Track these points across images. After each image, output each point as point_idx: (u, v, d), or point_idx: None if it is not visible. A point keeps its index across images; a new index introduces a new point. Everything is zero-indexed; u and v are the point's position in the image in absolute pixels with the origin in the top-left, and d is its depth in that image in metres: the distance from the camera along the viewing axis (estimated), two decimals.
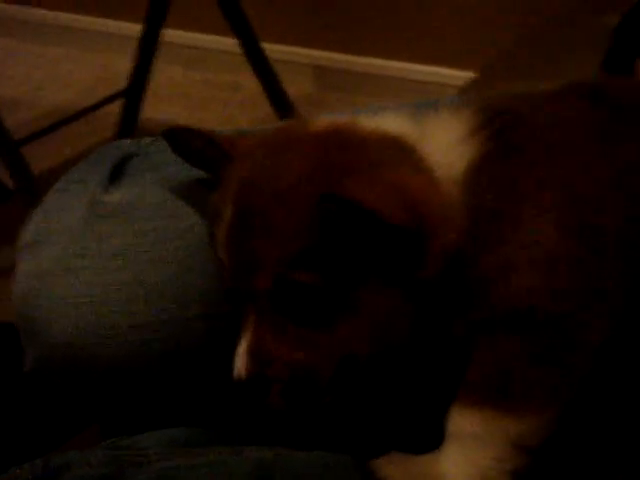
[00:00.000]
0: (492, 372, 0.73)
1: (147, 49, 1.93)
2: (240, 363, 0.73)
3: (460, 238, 0.71)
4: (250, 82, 2.19)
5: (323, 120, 0.78)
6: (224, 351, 0.81)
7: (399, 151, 0.73)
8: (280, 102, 1.94)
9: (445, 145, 0.74)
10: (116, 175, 0.89)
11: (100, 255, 0.83)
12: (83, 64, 2.55)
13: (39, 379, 0.86)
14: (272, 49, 2.02)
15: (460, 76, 2.07)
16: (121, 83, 2.08)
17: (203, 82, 2.37)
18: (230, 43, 2.24)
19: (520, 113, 0.77)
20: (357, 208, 0.66)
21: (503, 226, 0.72)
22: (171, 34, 2.17)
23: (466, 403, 0.73)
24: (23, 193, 1.66)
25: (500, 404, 0.72)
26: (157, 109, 2.16)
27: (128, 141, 0.95)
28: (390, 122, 0.76)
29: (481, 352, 0.73)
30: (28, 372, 0.87)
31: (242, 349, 0.73)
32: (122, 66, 2.35)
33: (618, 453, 0.80)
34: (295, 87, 2.12)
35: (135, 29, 2.36)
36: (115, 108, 2.06)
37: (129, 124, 2.00)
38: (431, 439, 0.75)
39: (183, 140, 0.82)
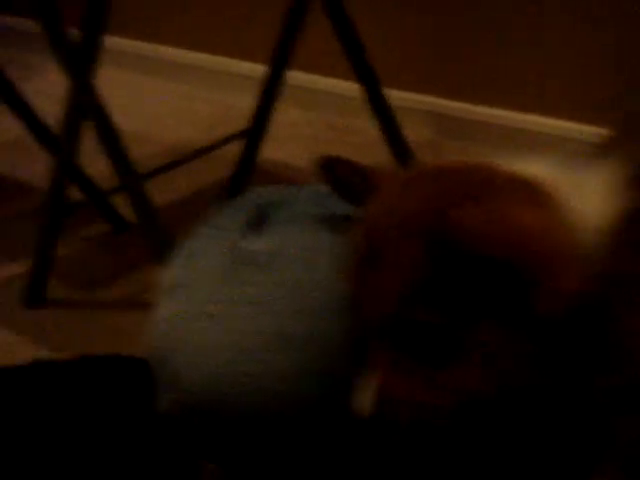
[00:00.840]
0: (636, 444, 0.70)
1: (270, 90, 1.96)
2: (365, 400, 0.73)
3: (593, 286, 0.69)
4: (368, 126, 2.19)
5: (458, 160, 0.77)
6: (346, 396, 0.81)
7: (530, 192, 0.72)
8: (399, 147, 1.94)
9: (590, 195, 0.73)
10: (257, 223, 0.90)
11: (240, 303, 0.84)
12: (204, 102, 2.59)
13: (172, 420, 0.87)
14: (392, 94, 2.02)
15: (584, 130, 2.04)
16: (240, 122, 2.10)
17: (321, 124, 2.39)
18: (349, 86, 2.26)
19: None
20: (455, 237, 0.65)
21: None
22: (292, 76, 2.20)
23: (612, 475, 0.71)
24: (143, 226, 1.69)
25: None
26: (275, 150, 2.18)
27: (269, 189, 0.96)
28: (530, 167, 0.75)
29: (624, 423, 0.71)
30: (162, 413, 0.88)
31: (367, 386, 0.74)
32: (241, 105, 2.39)
33: None
34: (414, 133, 2.12)
35: (256, 69, 2.40)
36: (233, 147, 2.09)
37: (248, 164, 2.02)
38: None
39: (337, 171, 0.83)
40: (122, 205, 1.94)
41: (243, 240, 0.88)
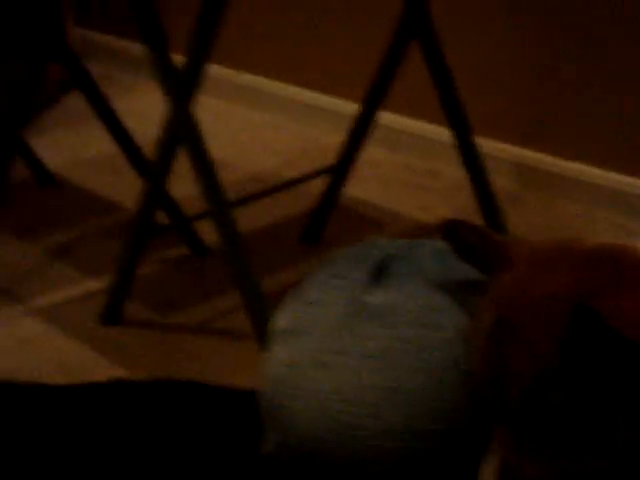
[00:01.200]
0: None
1: (360, 129, 1.96)
2: (489, 476, 0.72)
3: None
4: (451, 171, 2.19)
5: (596, 240, 0.77)
6: (459, 466, 0.81)
7: None
8: (484, 194, 1.93)
9: None
10: (378, 275, 0.90)
11: (357, 355, 0.84)
12: (288, 133, 2.61)
13: (277, 463, 0.88)
14: (481, 142, 2.02)
15: None
16: (323, 157, 2.12)
17: (404, 166, 2.39)
18: (435, 130, 2.26)
19: None
20: (604, 325, 0.65)
21: None
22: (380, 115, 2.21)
23: None
24: (227, 252, 1.70)
25: None
26: (356, 188, 2.18)
27: (390, 240, 0.96)
28: None
29: None
30: (268, 454, 0.88)
31: (491, 467, 0.72)
32: (326, 141, 2.40)
33: None
34: (500, 181, 2.11)
35: (343, 106, 2.42)
36: (316, 181, 2.10)
37: (331, 200, 2.03)
38: None
39: (462, 234, 0.82)
40: (202, 231, 1.96)
41: (363, 292, 0.88)
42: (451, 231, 0.83)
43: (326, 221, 2.04)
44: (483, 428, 0.76)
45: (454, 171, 2.14)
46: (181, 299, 1.89)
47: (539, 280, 0.73)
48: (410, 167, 2.39)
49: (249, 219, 2.08)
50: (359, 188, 2.21)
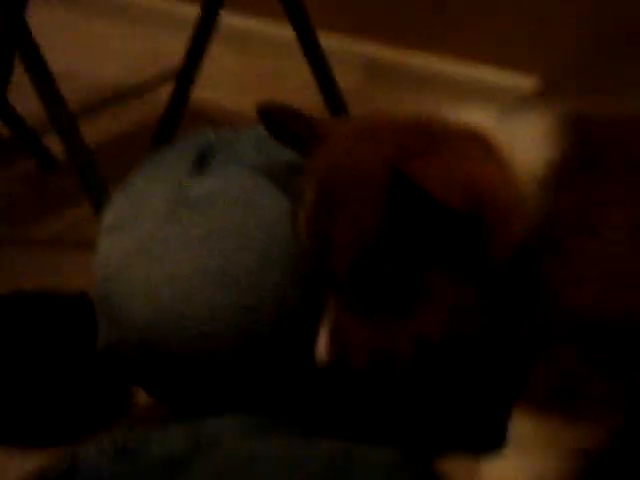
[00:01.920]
0: (556, 378, 0.75)
1: (203, 32, 1.95)
2: (322, 348, 0.75)
3: (532, 233, 0.73)
4: (300, 70, 2.20)
5: (408, 111, 0.79)
6: (296, 342, 0.84)
7: (476, 143, 0.75)
8: (330, 93, 1.96)
9: (528, 142, 0.76)
10: (200, 165, 0.91)
11: (182, 242, 0.86)
12: (134, 41, 2.56)
13: (112, 356, 0.89)
14: (324, 38, 2.02)
15: (521, 81, 2.07)
16: (171, 63, 2.09)
17: (253, 68, 2.38)
18: (283, 31, 2.26)
19: (612, 125, 0.77)
20: (417, 187, 0.68)
21: (579, 236, 0.73)
22: (225, 18, 2.18)
23: (529, 409, 0.75)
24: (74, 165, 1.68)
25: (562, 413, 0.74)
26: (205, 92, 2.17)
27: (211, 131, 0.98)
28: (475, 118, 0.78)
29: (547, 359, 0.75)
30: (102, 349, 0.90)
31: (324, 334, 0.76)
32: (174, 46, 2.36)
33: None
34: (344, 79, 2.13)
35: (190, 10, 2.38)
36: (164, 88, 2.08)
37: (178, 106, 2.02)
38: (494, 441, 0.77)
39: (277, 116, 0.84)
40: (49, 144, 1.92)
41: (186, 182, 0.89)
42: (266, 115, 0.85)
43: (176, 127, 2.03)
44: (315, 303, 0.79)
45: (303, 71, 2.14)
46: (32, 213, 1.86)
47: (356, 151, 0.76)
48: (258, 69, 2.38)
49: (98, 129, 2.05)
50: (208, 92, 2.19)
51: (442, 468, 0.78)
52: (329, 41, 2.10)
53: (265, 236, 0.87)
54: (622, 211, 0.74)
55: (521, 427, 0.76)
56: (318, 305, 0.78)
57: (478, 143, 0.74)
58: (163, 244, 0.87)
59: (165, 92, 2.04)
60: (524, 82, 1.95)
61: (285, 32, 2.12)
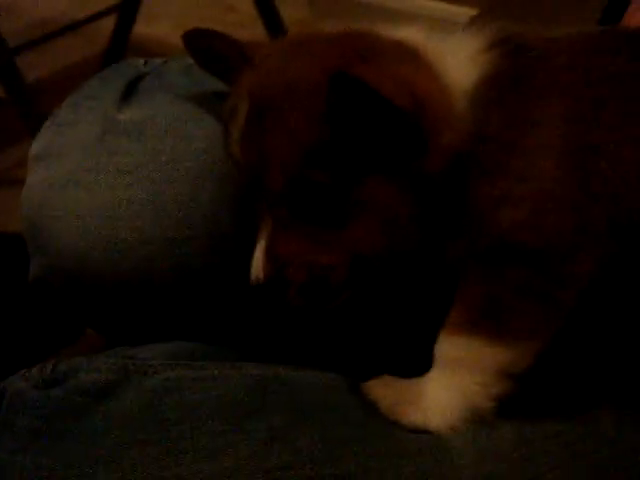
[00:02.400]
0: (480, 301, 0.75)
1: None
2: (257, 265, 0.75)
3: (464, 145, 0.72)
4: (245, 4, 2.18)
5: (341, 25, 0.78)
6: (229, 270, 0.85)
7: (410, 57, 0.74)
8: (274, 25, 1.94)
9: (458, 58, 0.75)
10: (129, 93, 0.90)
11: (111, 171, 0.85)
12: None
13: (43, 288, 0.89)
14: None
15: (460, 12, 2.07)
16: None
17: (197, 1, 2.35)
18: None
19: (540, 41, 0.77)
20: (364, 87, 0.66)
21: (504, 155, 0.73)
22: None
23: (454, 329, 0.76)
24: (14, 101, 1.66)
25: (487, 332, 0.75)
26: (149, 26, 2.15)
27: (141, 60, 0.96)
28: (407, 33, 0.77)
29: (470, 280, 0.76)
30: (33, 280, 0.89)
31: (259, 251, 0.75)
32: None
33: (606, 383, 0.83)
34: (289, 12, 2.12)
35: None
36: (107, 22, 2.05)
37: (121, 39, 2.00)
38: (421, 363, 0.78)
39: (204, 43, 0.82)
40: None
41: (114, 110, 0.88)
42: (193, 41, 0.83)
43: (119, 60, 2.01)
44: (250, 227, 0.78)
45: (249, 4, 2.12)
46: None
47: (291, 63, 0.74)
48: (205, 2, 2.35)
49: (41, 64, 2.03)
50: (152, 27, 2.17)
51: (369, 391, 0.79)
52: None
53: (195, 166, 0.85)
54: (551, 131, 0.73)
55: (447, 347, 0.77)
56: (254, 230, 0.77)
57: (411, 56, 0.73)
58: (91, 173, 0.86)
59: (108, 26, 2.01)
60: (463, 13, 1.95)
61: None
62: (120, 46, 2.00)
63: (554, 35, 0.79)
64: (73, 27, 1.97)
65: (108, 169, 0.85)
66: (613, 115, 0.74)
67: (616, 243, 0.74)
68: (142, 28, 2.05)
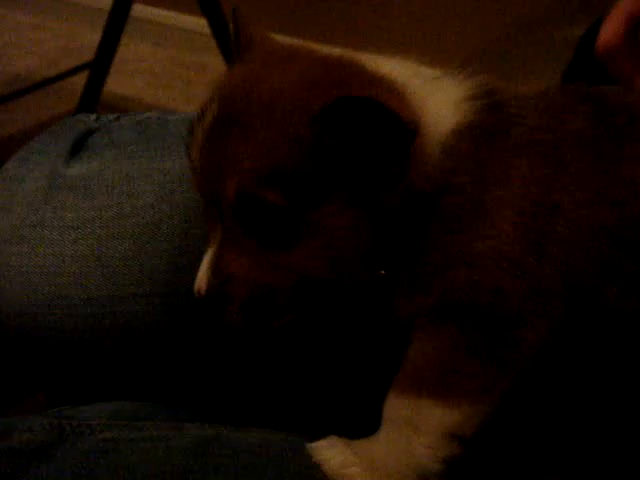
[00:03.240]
0: (429, 361, 0.74)
1: (116, 22, 1.93)
2: (201, 277, 0.73)
3: (429, 188, 0.71)
4: (217, 63, 2.19)
5: (326, 49, 0.77)
6: (176, 329, 0.83)
7: (396, 92, 0.72)
8: None
9: (440, 104, 0.74)
10: (77, 149, 0.90)
11: (57, 227, 0.84)
12: (49, 33, 2.53)
13: None
14: None
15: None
16: (87, 55, 2.07)
17: (170, 60, 2.36)
18: (200, 23, 2.25)
19: (516, 98, 0.77)
20: (376, 106, 0.65)
21: (466, 211, 0.72)
22: (142, 10, 2.17)
23: (402, 389, 0.75)
24: None
25: (435, 393, 0.74)
26: (121, 84, 2.15)
27: (92, 116, 0.96)
28: (393, 67, 0.76)
29: (420, 339, 0.75)
30: None
31: (205, 263, 0.73)
32: (89, 38, 2.34)
33: (554, 446, 0.82)
34: None
35: (105, 1, 2.36)
36: (79, 79, 2.06)
37: (92, 97, 1.99)
38: (369, 423, 0.77)
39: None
40: None
41: (61, 165, 0.87)
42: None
43: None
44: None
45: (222, 63, 2.14)
46: None
47: (273, 75, 0.71)
48: (176, 61, 2.37)
49: (13, 120, 2.02)
50: (124, 84, 2.18)
51: (316, 452, 0.77)
52: None
53: (142, 222, 0.85)
54: (514, 191, 0.73)
55: (395, 407, 0.75)
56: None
57: (396, 92, 0.72)
58: (36, 228, 0.85)
59: (80, 83, 2.01)
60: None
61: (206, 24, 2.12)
62: (92, 103, 2.00)
63: (528, 92, 0.79)
64: (45, 84, 1.97)
65: (53, 224, 0.84)
66: (573, 176, 0.73)
67: (570, 308, 0.73)
68: (115, 86, 2.06)
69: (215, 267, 0.72)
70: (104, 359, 0.86)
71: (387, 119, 0.66)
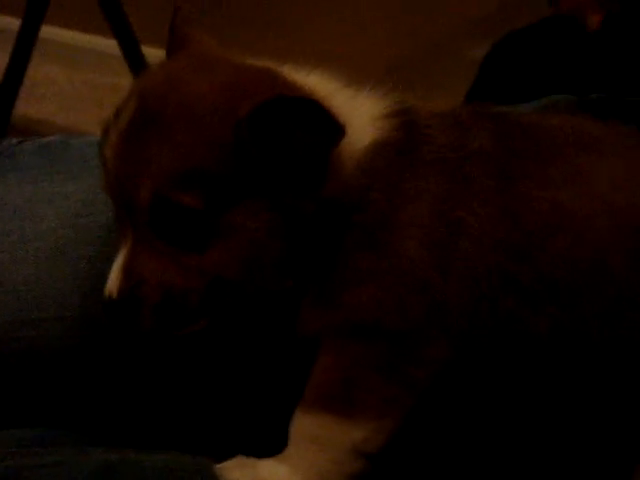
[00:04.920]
0: (334, 378, 0.75)
1: (25, 44, 1.91)
2: (112, 281, 0.72)
3: (343, 200, 0.72)
4: (129, 85, 2.18)
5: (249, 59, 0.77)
6: (84, 351, 0.83)
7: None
8: None
9: (361, 119, 0.75)
10: None
11: None
12: None
13: None
14: (151, 52, 2.02)
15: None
16: None
17: (82, 82, 2.34)
18: (112, 44, 2.24)
19: (429, 117, 0.79)
20: (311, 106, 0.66)
21: (377, 229, 0.73)
22: (52, 32, 2.15)
23: (308, 406, 0.75)
24: None
25: (340, 409, 0.74)
26: (32, 107, 2.13)
27: None
28: (318, 81, 0.77)
29: (326, 355, 0.76)
30: None
31: (115, 267, 0.72)
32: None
33: (462, 462, 0.83)
34: None
35: (14, 23, 2.33)
36: None
37: (1, 120, 1.97)
38: (276, 442, 0.77)
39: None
40: None
41: None
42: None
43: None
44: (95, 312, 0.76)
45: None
46: None
47: (195, 78, 0.71)
48: (87, 83, 2.35)
49: None
50: (35, 107, 2.15)
51: (223, 473, 0.77)
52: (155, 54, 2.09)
53: (45, 246, 0.84)
54: (422, 209, 0.74)
55: (301, 424, 0.76)
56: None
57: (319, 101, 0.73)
58: None
59: None
60: None
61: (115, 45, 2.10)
62: (1, 127, 1.97)
63: (438, 110, 0.81)
64: None
65: None
66: (476, 193, 0.75)
67: (474, 323, 0.74)
68: (24, 109, 2.03)
69: (126, 270, 0.71)
70: (9, 385, 0.85)
71: (319, 116, 0.67)
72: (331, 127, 0.69)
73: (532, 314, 0.74)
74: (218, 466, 0.77)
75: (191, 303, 0.73)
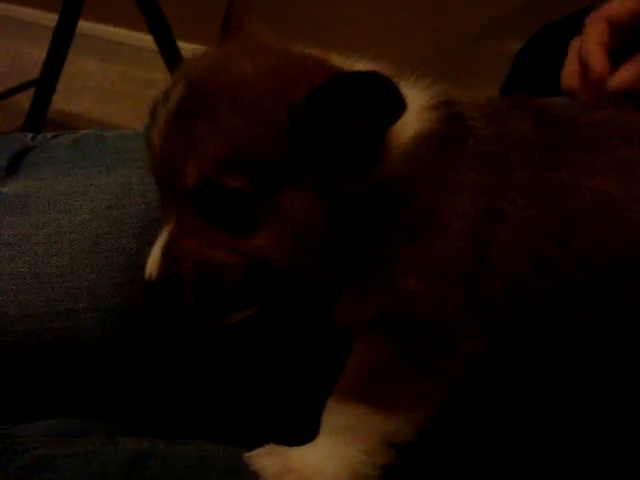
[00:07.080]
0: (369, 369, 0.75)
1: (62, 39, 1.93)
2: (152, 262, 0.71)
3: (392, 186, 0.72)
4: (165, 79, 2.19)
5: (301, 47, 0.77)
6: (120, 342, 0.83)
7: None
8: None
9: (408, 110, 0.75)
10: (13, 167, 0.90)
11: None
12: None
13: None
14: (187, 47, 2.03)
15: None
16: (34, 72, 2.06)
17: (118, 76, 2.36)
18: (147, 39, 2.25)
19: (472, 108, 0.78)
20: (384, 82, 0.66)
21: (421, 221, 0.73)
22: (88, 26, 2.16)
23: (341, 396, 0.75)
24: None
25: (374, 400, 0.74)
26: (69, 101, 2.14)
27: (28, 135, 0.96)
28: (363, 67, 0.76)
29: (360, 347, 0.76)
30: None
31: (157, 248, 0.71)
32: (36, 55, 2.33)
33: (492, 456, 0.83)
34: None
35: (51, 18, 2.35)
36: (25, 98, 2.05)
37: (38, 114, 1.99)
38: (307, 431, 0.77)
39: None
40: None
41: (0, 184, 0.88)
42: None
43: None
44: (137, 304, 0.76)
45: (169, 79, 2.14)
46: None
47: (244, 63, 0.71)
48: (124, 77, 2.36)
49: None
50: (72, 101, 2.17)
51: (254, 461, 0.77)
52: (191, 49, 2.10)
53: (79, 238, 0.85)
54: (463, 200, 0.74)
55: (333, 415, 0.76)
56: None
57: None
58: None
59: (26, 101, 2.00)
60: None
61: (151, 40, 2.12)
62: (38, 121, 1.99)
63: (479, 100, 0.80)
64: None
65: None
66: (516, 183, 0.75)
67: (511, 317, 0.74)
68: (62, 103, 2.05)
69: (167, 252, 0.70)
70: (44, 375, 0.86)
71: (386, 89, 0.66)
72: (397, 100, 0.68)
73: (576, 303, 0.74)
74: (248, 454, 0.77)
75: (231, 280, 0.72)
